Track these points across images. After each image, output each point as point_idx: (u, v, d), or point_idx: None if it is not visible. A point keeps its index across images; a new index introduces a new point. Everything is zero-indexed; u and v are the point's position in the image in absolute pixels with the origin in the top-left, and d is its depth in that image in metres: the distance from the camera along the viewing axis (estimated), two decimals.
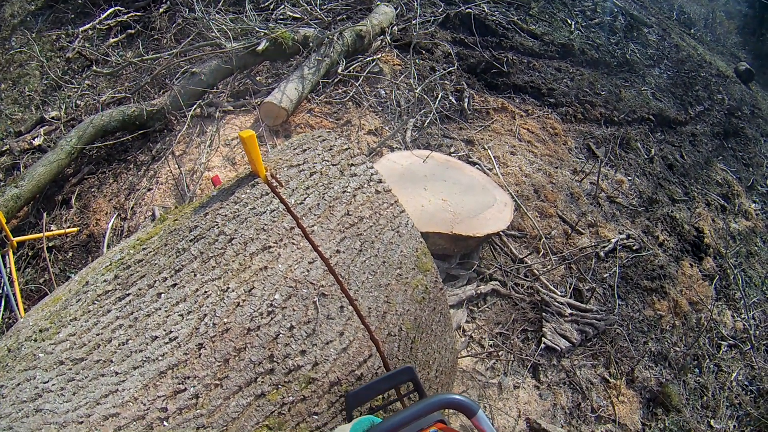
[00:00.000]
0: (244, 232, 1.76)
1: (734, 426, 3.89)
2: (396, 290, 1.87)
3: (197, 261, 1.70)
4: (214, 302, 1.59)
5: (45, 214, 3.96)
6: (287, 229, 1.80)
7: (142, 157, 4.34)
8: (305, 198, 1.90)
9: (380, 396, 1.72)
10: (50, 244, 3.85)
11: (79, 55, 5.60)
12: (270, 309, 1.61)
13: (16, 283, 3.46)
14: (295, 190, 1.91)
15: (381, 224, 1.97)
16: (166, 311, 1.58)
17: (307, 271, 1.72)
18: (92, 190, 4.20)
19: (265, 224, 1.79)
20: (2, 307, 3.46)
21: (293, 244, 1.77)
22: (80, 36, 5.80)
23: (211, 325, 1.54)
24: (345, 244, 1.84)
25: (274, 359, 1.55)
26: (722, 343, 4.49)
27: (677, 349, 4.14)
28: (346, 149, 2.16)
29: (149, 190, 4.03)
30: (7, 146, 4.62)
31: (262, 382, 1.52)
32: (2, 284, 3.45)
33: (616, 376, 3.66)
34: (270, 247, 1.74)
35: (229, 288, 1.63)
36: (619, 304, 4.14)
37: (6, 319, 3.46)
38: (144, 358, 1.48)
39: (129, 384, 1.43)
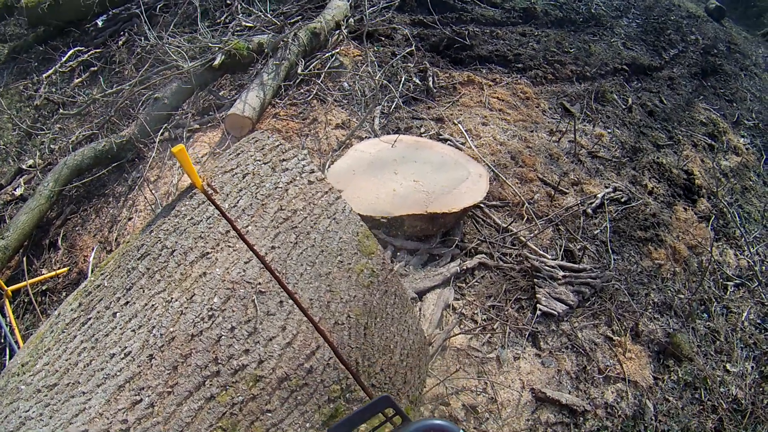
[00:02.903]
0: (183, 243, 1.80)
1: (752, 367, 3.80)
2: (339, 278, 1.87)
3: (145, 277, 1.75)
4: (160, 314, 1.64)
5: (26, 261, 4.01)
6: (222, 233, 1.82)
7: (120, 189, 4.37)
8: (239, 200, 1.92)
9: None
10: (44, 288, 3.90)
11: (47, 101, 5.65)
12: (210, 313, 1.63)
13: (17, 331, 3.51)
14: (229, 195, 1.94)
15: (316, 214, 1.97)
16: (120, 329, 1.64)
17: (243, 271, 1.74)
18: (77, 228, 4.24)
19: (202, 232, 1.82)
20: (8, 357, 3.49)
21: (229, 246, 1.79)
22: (45, 82, 5.84)
23: (159, 335, 1.59)
24: (280, 239, 1.85)
25: (219, 361, 1.57)
26: (728, 283, 4.38)
27: (681, 296, 4.05)
28: (278, 146, 2.17)
29: (130, 219, 4.06)
30: None
31: (210, 384, 1.54)
32: (3, 334, 3.49)
33: (620, 333, 3.59)
34: (208, 253, 1.77)
35: (173, 298, 1.67)
36: (614, 259, 4.07)
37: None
38: (105, 375, 1.55)
39: (94, 401, 1.50)
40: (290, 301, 1.73)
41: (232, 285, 1.69)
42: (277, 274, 1.76)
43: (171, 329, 1.59)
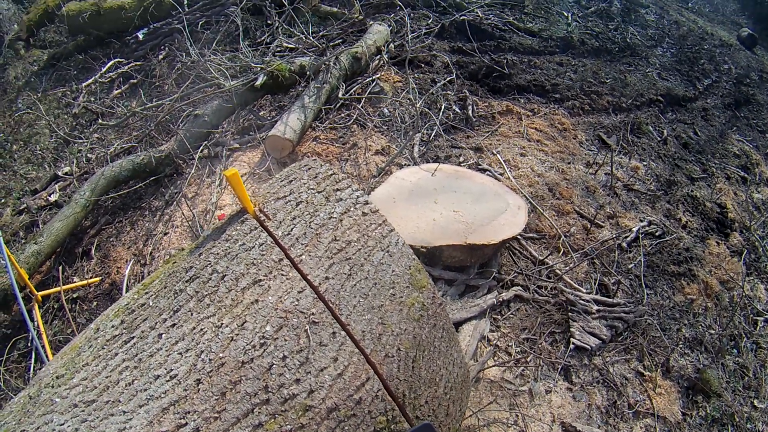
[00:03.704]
0: (235, 269, 1.80)
1: None
2: (390, 310, 1.87)
3: (193, 300, 1.76)
4: (209, 339, 1.64)
5: (61, 268, 4.07)
6: (276, 261, 1.83)
7: (156, 203, 4.41)
8: (292, 228, 1.93)
9: None
10: (75, 296, 3.94)
11: (85, 110, 5.72)
12: (262, 341, 1.64)
13: (44, 336, 3.55)
14: (282, 222, 1.94)
15: (370, 246, 1.98)
16: (166, 351, 1.64)
17: (297, 300, 1.74)
18: (111, 239, 4.28)
19: (255, 258, 1.82)
20: (33, 360, 3.53)
21: (282, 275, 1.80)
22: (84, 91, 5.93)
23: (208, 360, 1.59)
24: (334, 269, 1.86)
25: (269, 390, 1.57)
26: (758, 319, 4.33)
27: (712, 331, 4.02)
28: (331, 175, 2.18)
29: (165, 234, 4.09)
30: (25, 205, 4.73)
31: (259, 412, 1.54)
32: (31, 338, 3.53)
33: (651, 368, 3.58)
34: (260, 280, 1.78)
35: (223, 324, 1.67)
36: (647, 294, 4.05)
37: (38, 371, 3.53)
38: (148, 396, 1.54)
39: (135, 422, 1.49)
40: (343, 333, 1.73)
41: (285, 314, 1.70)
42: (331, 305, 1.77)
43: (221, 355, 1.60)
